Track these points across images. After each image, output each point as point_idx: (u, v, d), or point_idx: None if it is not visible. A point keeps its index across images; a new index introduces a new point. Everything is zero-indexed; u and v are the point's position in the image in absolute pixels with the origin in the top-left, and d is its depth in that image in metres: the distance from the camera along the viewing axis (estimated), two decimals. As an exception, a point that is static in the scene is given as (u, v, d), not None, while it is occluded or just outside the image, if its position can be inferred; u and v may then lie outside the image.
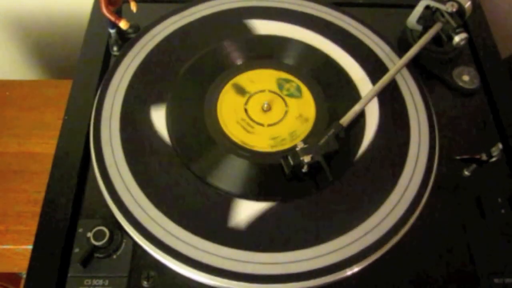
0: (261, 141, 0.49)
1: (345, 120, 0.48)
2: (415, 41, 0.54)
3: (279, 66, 0.55)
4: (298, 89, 0.49)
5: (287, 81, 0.50)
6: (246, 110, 0.51)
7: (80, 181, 0.48)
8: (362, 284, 0.44)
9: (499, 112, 0.54)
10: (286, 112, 0.51)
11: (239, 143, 0.48)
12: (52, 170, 0.49)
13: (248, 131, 0.49)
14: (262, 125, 0.50)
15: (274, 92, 0.53)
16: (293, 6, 0.60)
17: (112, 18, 0.53)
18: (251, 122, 0.50)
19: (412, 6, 0.57)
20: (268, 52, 0.56)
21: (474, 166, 0.49)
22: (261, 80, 0.54)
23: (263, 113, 0.51)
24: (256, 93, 0.53)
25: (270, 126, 0.50)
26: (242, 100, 0.52)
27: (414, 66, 0.55)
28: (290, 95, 0.50)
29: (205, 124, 0.50)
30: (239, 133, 0.49)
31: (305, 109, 0.52)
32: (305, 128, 0.50)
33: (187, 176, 0.47)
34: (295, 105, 0.52)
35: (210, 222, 0.44)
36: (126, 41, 0.57)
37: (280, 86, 0.49)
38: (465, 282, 0.44)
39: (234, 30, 0.58)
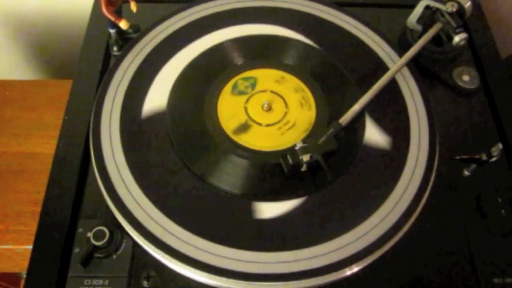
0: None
1: (345, 119, 0.48)
2: (415, 41, 0.54)
3: (279, 66, 0.55)
4: (253, 86, 0.49)
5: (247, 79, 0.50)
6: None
7: (80, 181, 0.48)
8: (362, 284, 0.44)
9: (499, 112, 0.54)
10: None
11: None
12: (52, 170, 0.49)
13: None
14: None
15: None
16: (293, 6, 0.60)
17: (112, 18, 0.53)
18: (281, 125, 0.50)
19: (412, 6, 0.57)
20: (269, 52, 0.56)
21: (474, 166, 0.49)
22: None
23: (266, 113, 0.51)
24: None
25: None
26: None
27: (414, 66, 0.55)
28: (241, 93, 0.49)
29: (205, 124, 0.50)
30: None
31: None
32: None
33: (187, 176, 0.47)
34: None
35: (210, 222, 0.44)
36: (126, 41, 0.58)
37: (234, 87, 0.49)
38: (465, 282, 0.44)
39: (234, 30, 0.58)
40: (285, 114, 0.51)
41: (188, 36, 0.57)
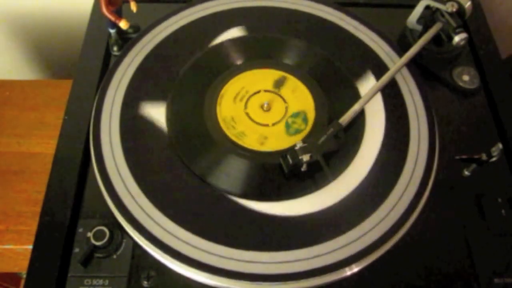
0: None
1: (345, 119, 0.48)
2: (415, 41, 0.54)
3: (279, 66, 0.55)
4: (305, 120, 0.50)
5: (296, 115, 0.50)
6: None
7: (80, 181, 0.48)
8: (362, 284, 0.44)
9: (499, 112, 0.54)
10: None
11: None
12: (52, 170, 0.49)
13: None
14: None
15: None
16: (293, 6, 0.60)
17: (112, 18, 0.53)
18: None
19: (412, 6, 0.57)
20: (268, 52, 0.56)
21: (474, 166, 0.49)
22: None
23: (264, 113, 0.51)
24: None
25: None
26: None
27: (414, 66, 0.55)
28: (296, 131, 0.50)
29: (205, 124, 0.50)
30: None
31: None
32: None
33: (187, 176, 0.47)
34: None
35: (210, 222, 0.44)
36: (126, 41, 0.57)
37: (287, 126, 0.50)
38: (465, 282, 0.44)
39: (233, 30, 0.58)
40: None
41: (188, 35, 0.57)
